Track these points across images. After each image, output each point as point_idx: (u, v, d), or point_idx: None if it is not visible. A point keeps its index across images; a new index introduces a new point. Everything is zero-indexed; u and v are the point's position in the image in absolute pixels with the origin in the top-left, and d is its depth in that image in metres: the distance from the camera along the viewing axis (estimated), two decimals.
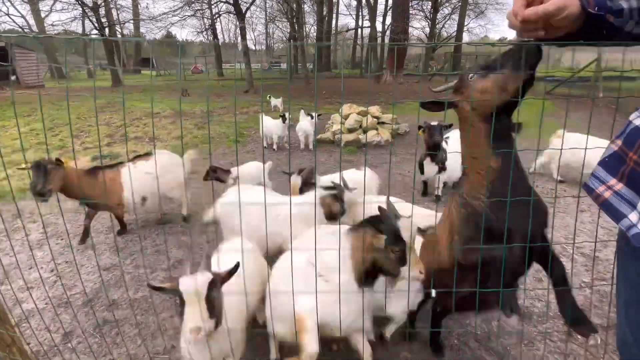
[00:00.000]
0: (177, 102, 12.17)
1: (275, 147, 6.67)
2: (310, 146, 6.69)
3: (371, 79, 18.43)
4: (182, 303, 1.22)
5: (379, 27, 25.62)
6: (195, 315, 1.17)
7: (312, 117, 6.78)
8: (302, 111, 7.01)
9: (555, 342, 2.06)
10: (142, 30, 31.98)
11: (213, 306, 1.23)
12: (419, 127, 3.82)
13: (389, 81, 18.15)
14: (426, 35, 27.06)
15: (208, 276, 1.25)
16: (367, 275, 1.48)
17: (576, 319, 1.27)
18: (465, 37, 27.05)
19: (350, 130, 6.92)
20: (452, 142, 4.27)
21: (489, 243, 1.23)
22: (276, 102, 11.15)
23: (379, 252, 1.42)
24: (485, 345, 2.05)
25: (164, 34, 33.95)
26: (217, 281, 1.28)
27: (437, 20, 25.77)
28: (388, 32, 22.32)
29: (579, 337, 2.06)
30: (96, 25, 18.20)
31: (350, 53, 37.95)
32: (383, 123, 7.26)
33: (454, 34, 25.82)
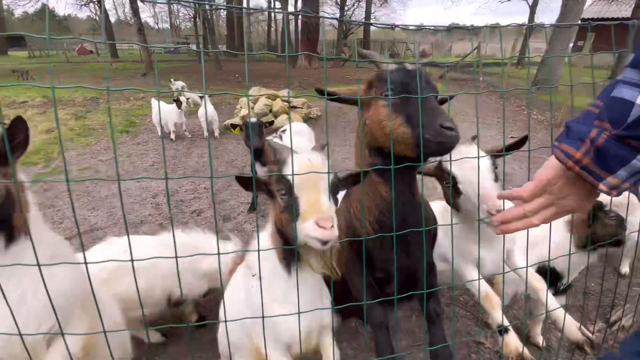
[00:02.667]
0: (51, 88, 10.01)
1: (173, 136, 5.89)
2: (216, 133, 6.10)
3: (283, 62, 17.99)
4: None
5: (291, 9, 25.09)
6: None
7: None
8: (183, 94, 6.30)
9: (468, 310, 2.12)
10: (5, 2, 25.77)
11: None
12: (233, 126, 3.41)
13: (304, 65, 17.99)
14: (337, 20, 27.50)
15: None
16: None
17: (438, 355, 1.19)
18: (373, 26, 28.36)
19: (260, 115, 6.51)
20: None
21: (364, 265, 1.13)
22: (178, 85, 9.99)
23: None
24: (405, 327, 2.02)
25: (38, 8, 27.83)
26: None
27: (346, 6, 26.35)
28: (300, 16, 21.96)
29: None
30: None
31: (266, 35, 36.66)
32: (294, 107, 7.02)
33: (364, 19, 26.75)
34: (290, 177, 0.91)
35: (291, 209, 0.92)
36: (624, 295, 2.33)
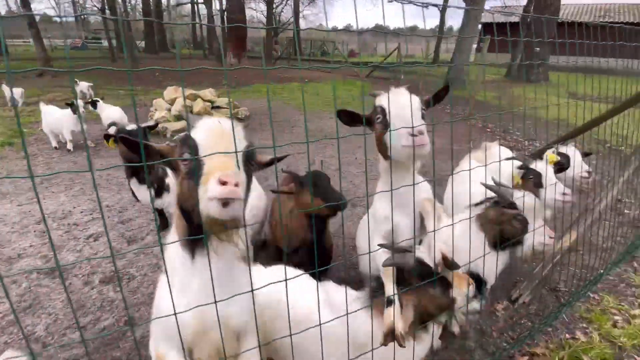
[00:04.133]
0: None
1: (70, 146, 5.05)
2: None
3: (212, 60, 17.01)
4: None
5: (215, 6, 23.90)
6: None
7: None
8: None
9: None
10: None
11: None
12: (106, 137, 2.43)
13: (233, 63, 17.24)
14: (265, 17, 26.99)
15: None
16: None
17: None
18: (302, 23, 28.43)
19: (178, 118, 5.96)
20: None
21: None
22: (83, 87, 8.74)
23: None
24: None
25: None
26: None
27: (274, 4, 25.99)
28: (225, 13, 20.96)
29: None
30: None
31: (190, 31, 34.45)
32: (218, 107, 6.58)
33: (292, 18, 26.71)
34: (195, 139, 0.86)
35: (193, 175, 0.82)
36: (526, 274, 2.55)
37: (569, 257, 2.55)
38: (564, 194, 1.83)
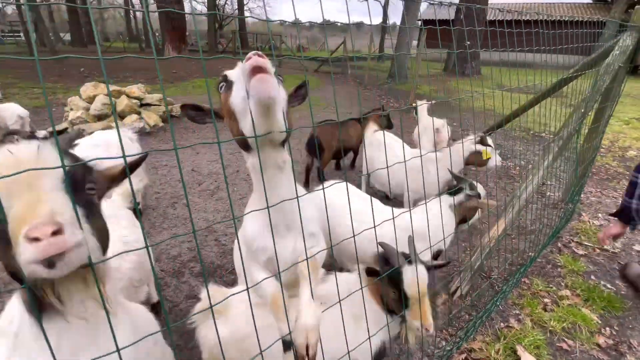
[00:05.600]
0: None
1: None
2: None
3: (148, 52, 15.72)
4: None
5: None
6: None
7: None
8: None
9: None
10: None
11: None
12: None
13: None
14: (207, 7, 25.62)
15: None
16: None
17: None
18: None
19: (99, 118, 5.28)
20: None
21: None
22: None
23: None
24: None
25: None
26: None
27: None
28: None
29: None
30: None
31: (124, 22, 31.67)
32: (148, 105, 5.96)
33: (237, 11, 25.68)
34: None
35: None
36: (463, 263, 2.53)
37: (505, 243, 2.59)
38: (501, 160, 2.91)
